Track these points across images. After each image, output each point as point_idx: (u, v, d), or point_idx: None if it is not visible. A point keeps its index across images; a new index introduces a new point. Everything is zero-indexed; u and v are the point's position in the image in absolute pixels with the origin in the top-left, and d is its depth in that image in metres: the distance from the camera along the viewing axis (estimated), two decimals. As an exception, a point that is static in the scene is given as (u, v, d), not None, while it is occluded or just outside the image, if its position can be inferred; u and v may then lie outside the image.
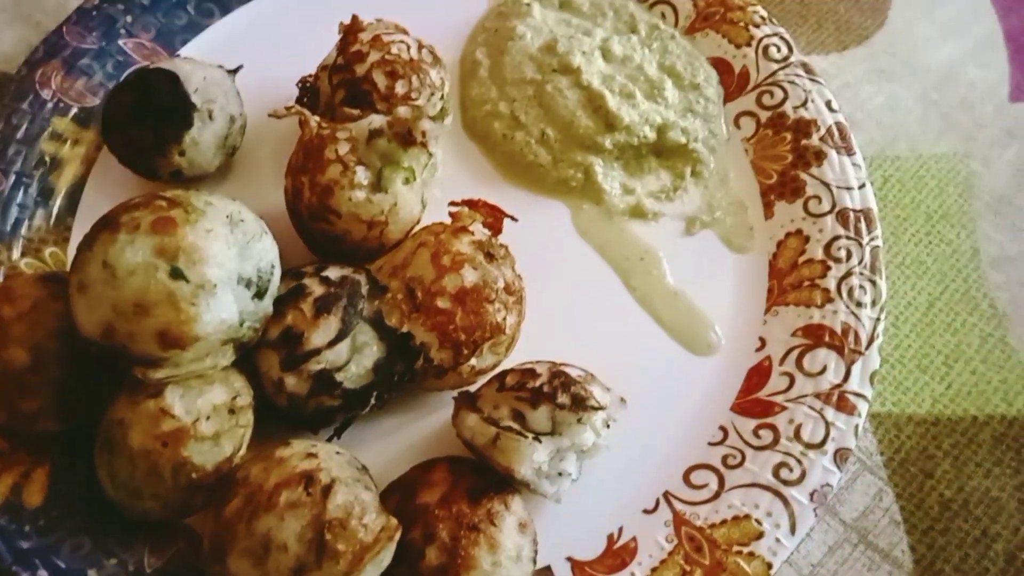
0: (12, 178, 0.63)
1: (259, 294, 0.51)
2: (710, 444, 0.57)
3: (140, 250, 0.47)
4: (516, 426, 0.49)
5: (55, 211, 0.64)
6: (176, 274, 0.47)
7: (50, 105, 0.66)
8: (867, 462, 0.58)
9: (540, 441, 0.49)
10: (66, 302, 0.49)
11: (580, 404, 0.50)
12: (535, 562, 0.50)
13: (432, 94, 0.64)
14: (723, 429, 0.57)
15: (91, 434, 0.52)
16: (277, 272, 0.53)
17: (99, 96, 0.68)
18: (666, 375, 0.59)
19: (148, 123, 0.60)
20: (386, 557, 0.46)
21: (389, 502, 0.50)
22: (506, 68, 0.68)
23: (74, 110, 0.67)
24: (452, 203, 0.58)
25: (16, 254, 0.61)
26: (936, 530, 0.55)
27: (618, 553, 0.53)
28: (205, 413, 0.50)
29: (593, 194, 0.65)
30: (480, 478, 0.50)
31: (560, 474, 0.51)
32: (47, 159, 0.65)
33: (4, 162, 0.63)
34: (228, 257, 0.49)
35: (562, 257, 0.64)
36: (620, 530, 0.54)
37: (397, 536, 0.46)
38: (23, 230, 0.62)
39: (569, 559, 0.53)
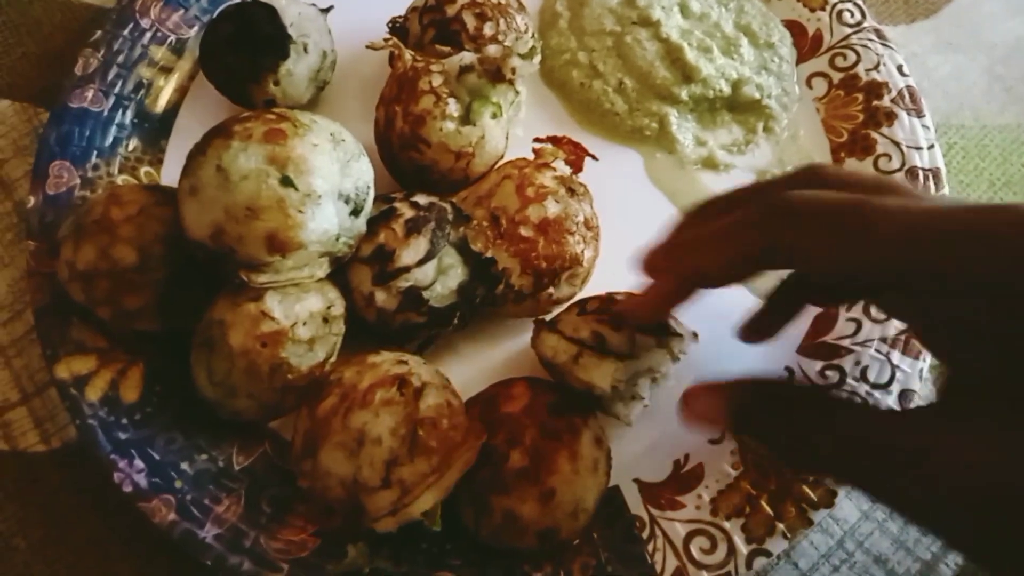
0: (112, 99, 0.66)
1: (355, 212, 0.54)
2: (775, 383, 0.59)
3: (253, 156, 0.49)
4: (597, 345, 0.52)
5: (150, 133, 0.67)
6: (286, 182, 0.49)
7: (148, 34, 0.69)
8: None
9: (621, 361, 0.51)
10: (174, 206, 0.52)
11: (661, 328, 0.52)
12: (608, 476, 0.52)
13: (517, 38, 0.66)
14: (789, 369, 0.59)
15: (183, 339, 0.55)
16: (371, 193, 0.55)
17: (194, 28, 0.71)
18: (733, 316, 0.61)
19: (245, 52, 0.62)
20: (472, 458, 0.48)
21: (470, 413, 0.52)
22: (586, 20, 0.71)
23: (170, 40, 0.70)
24: (537, 139, 0.60)
25: (115, 170, 0.64)
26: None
27: (685, 477, 0.55)
28: (302, 319, 0.52)
29: (667, 144, 0.67)
30: (558, 395, 0.53)
31: (633, 397, 0.53)
32: (144, 83, 0.68)
33: (105, 84, 0.66)
34: (332, 172, 0.52)
35: (635, 202, 0.66)
36: (686, 457, 0.56)
37: (483, 439, 0.49)
38: (121, 149, 0.65)
39: (636, 480, 0.56)
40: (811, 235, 0.35)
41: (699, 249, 0.41)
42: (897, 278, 0.33)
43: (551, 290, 0.58)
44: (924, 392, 0.60)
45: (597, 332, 0.52)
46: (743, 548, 0.52)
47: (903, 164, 0.64)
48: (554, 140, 0.60)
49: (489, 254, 0.56)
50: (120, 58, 0.67)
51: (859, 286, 0.44)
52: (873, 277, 0.34)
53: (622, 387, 0.51)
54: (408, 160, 0.60)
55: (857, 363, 0.57)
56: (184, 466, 0.54)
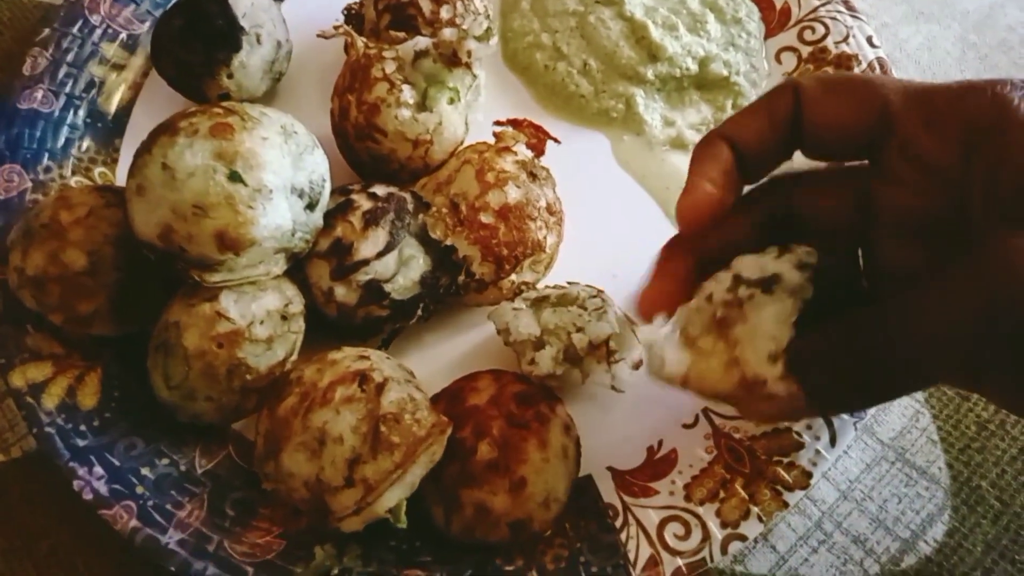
0: (63, 99, 0.64)
1: (311, 205, 0.52)
2: (749, 365, 0.57)
3: (199, 153, 0.48)
4: None
5: (104, 133, 0.65)
6: (235, 177, 0.48)
7: (99, 31, 0.67)
8: (903, 386, 0.59)
9: None
10: (123, 207, 0.51)
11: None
12: (579, 464, 0.51)
13: (475, 20, 0.64)
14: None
15: (141, 342, 0.54)
16: (328, 186, 0.54)
17: (146, 23, 0.69)
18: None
19: (198, 45, 0.61)
20: (437, 452, 0.47)
21: (436, 408, 0.51)
22: (548, 0, 0.69)
23: (122, 36, 0.68)
24: (497, 122, 0.59)
25: (68, 172, 0.63)
26: (973, 448, 0.56)
27: (658, 463, 0.54)
28: (259, 318, 0.51)
29: (634, 125, 0.66)
30: (524, 385, 0.52)
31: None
32: (96, 82, 0.66)
33: (55, 84, 0.65)
34: (283, 165, 0.50)
35: (602, 186, 0.65)
36: (660, 443, 0.55)
37: (448, 431, 0.48)
38: (73, 150, 0.64)
39: (610, 468, 0.55)
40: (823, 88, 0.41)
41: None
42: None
43: (514, 276, 0.56)
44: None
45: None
46: (718, 533, 0.51)
47: (874, 137, 0.63)
48: (514, 123, 0.59)
49: (449, 242, 0.55)
50: (70, 56, 0.66)
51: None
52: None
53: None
54: (365, 150, 0.58)
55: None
56: (145, 471, 0.53)
